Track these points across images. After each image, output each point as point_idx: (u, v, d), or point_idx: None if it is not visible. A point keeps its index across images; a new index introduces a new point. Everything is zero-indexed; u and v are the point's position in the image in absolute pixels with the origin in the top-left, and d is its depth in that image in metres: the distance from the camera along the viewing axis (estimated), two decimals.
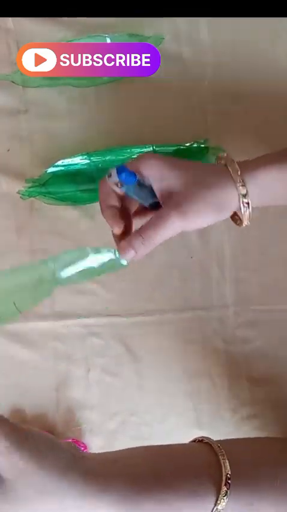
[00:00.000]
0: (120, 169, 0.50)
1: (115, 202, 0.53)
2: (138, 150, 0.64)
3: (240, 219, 0.53)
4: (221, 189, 0.51)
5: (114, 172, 0.51)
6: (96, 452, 0.48)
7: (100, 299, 0.66)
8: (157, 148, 0.64)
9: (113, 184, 0.52)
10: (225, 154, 0.53)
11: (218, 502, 0.43)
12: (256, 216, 0.58)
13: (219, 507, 0.43)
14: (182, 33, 0.66)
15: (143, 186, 0.52)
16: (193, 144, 0.65)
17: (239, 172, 0.51)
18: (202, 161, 0.64)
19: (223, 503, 0.43)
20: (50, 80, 0.64)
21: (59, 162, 0.64)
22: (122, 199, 0.54)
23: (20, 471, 0.38)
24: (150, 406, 0.67)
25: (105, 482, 0.41)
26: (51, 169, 0.64)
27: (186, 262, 0.67)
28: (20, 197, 0.64)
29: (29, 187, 0.64)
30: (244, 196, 0.51)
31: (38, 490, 0.39)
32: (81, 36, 0.65)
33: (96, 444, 0.66)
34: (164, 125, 0.66)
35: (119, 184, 0.51)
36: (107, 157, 0.64)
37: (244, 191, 0.51)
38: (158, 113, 0.67)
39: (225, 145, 0.65)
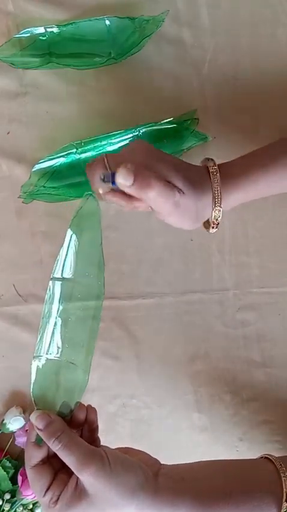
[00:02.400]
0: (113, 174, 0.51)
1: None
2: (124, 134, 0.64)
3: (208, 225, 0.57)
4: (200, 200, 0.54)
5: (108, 175, 0.51)
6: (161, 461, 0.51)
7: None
8: (142, 130, 0.64)
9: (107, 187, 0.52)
10: (212, 163, 0.56)
11: None
12: (255, 199, 0.58)
13: None
14: (181, 16, 0.66)
15: None
16: (182, 118, 0.65)
17: (218, 191, 0.54)
18: (184, 142, 0.65)
19: None
20: (50, 62, 0.64)
21: (45, 159, 0.64)
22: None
23: (93, 488, 0.45)
24: (150, 389, 0.67)
25: (174, 499, 0.46)
26: (37, 167, 0.64)
27: (186, 245, 0.67)
28: (23, 202, 0.65)
29: (27, 191, 0.64)
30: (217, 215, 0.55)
31: (111, 503, 0.45)
32: (81, 18, 0.65)
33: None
34: (164, 108, 0.66)
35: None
36: (96, 145, 0.64)
37: (218, 214, 0.55)
38: (158, 95, 0.66)
39: (224, 127, 0.65)
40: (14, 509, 0.64)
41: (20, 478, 0.63)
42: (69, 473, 0.47)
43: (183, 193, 0.52)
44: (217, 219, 0.56)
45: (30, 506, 0.65)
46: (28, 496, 0.63)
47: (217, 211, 0.55)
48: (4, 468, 0.65)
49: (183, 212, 0.53)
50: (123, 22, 0.65)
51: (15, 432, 0.66)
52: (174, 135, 0.65)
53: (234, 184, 0.55)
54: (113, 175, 0.51)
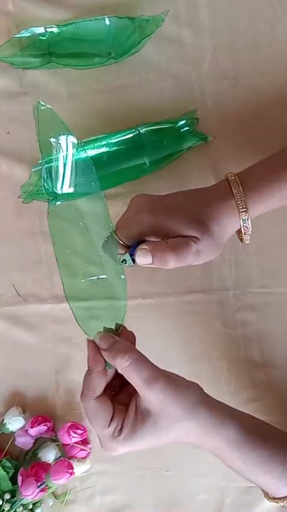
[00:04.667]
0: (132, 251, 0.52)
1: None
2: (124, 134, 0.65)
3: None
4: (220, 226, 0.54)
5: (128, 257, 0.52)
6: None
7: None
8: (142, 129, 0.64)
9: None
10: (233, 177, 0.54)
11: None
12: None
13: None
14: (181, 16, 0.66)
15: None
16: (182, 118, 0.65)
17: (243, 202, 0.53)
18: (184, 142, 0.65)
19: None
20: (50, 61, 0.64)
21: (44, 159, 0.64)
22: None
23: (162, 404, 0.48)
24: None
25: (224, 420, 0.50)
26: (36, 168, 0.65)
27: None
28: (23, 202, 0.65)
29: (27, 191, 0.64)
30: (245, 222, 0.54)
31: (176, 418, 0.48)
32: (81, 18, 0.65)
33: None
34: (164, 108, 0.66)
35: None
36: (95, 144, 0.64)
37: (247, 222, 0.54)
38: (158, 95, 0.67)
39: (225, 127, 0.65)
40: (14, 509, 0.64)
41: (20, 478, 0.63)
42: (125, 401, 0.49)
43: (199, 239, 0.52)
44: (247, 227, 0.55)
45: (30, 506, 0.65)
46: (28, 496, 0.63)
47: (244, 219, 0.54)
48: (4, 468, 0.65)
49: (206, 252, 0.53)
50: (123, 22, 0.65)
51: (15, 432, 0.66)
52: (174, 135, 0.65)
53: (257, 190, 0.54)
54: (131, 253, 0.52)
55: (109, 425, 0.48)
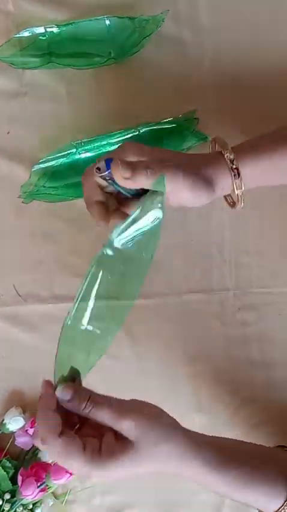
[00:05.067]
0: (109, 161, 0.51)
1: (101, 197, 0.54)
2: (124, 134, 0.64)
3: (233, 201, 0.55)
4: (210, 166, 0.53)
5: (103, 164, 0.51)
6: None
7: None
8: (142, 129, 0.64)
9: (100, 177, 0.52)
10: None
11: None
12: (256, 199, 0.58)
13: None
14: (181, 16, 0.66)
15: None
16: (182, 118, 0.65)
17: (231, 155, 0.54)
18: (184, 141, 0.65)
19: None
20: (50, 61, 0.64)
21: (45, 159, 0.64)
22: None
23: (138, 432, 0.47)
24: (150, 389, 0.67)
25: (199, 445, 0.50)
26: (37, 167, 0.64)
27: (186, 246, 0.67)
28: (23, 202, 0.65)
29: (27, 191, 0.64)
30: (232, 163, 0.53)
31: (155, 443, 0.48)
32: (81, 18, 0.65)
33: None
34: (164, 108, 0.66)
35: (107, 178, 0.51)
36: (95, 144, 0.64)
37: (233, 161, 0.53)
38: (158, 95, 0.66)
39: (225, 127, 0.65)
40: (14, 509, 0.64)
41: (20, 478, 0.63)
42: (91, 434, 0.48)
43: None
44: (239, 190, 0.54)
45: (30, 506, 0.65)
46: (28, 496, 0.63)
47: (237, 183, 0.54)
48: (4, 468, 0.65)
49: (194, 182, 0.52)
50: (123, 22, 0.65)
51: (15, 432, 0.66)
52: (174, 135, 0.65)
53: (247, 153, 0.54)
54: (107, 162, 0.50)
55: (85, 449, 0.47)
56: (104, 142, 0.64)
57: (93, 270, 0.50)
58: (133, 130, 0.64)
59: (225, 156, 0.54)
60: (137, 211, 0.50)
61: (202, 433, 0.52)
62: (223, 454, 0.50)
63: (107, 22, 0.65)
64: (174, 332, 0.67)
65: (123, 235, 0.50)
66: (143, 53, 0.66)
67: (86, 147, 0.64)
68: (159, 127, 0.65)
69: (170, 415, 0.51)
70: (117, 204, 0.56)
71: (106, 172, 0.51)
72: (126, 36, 0.65)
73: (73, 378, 0.51)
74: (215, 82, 0.67)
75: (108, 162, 0.51)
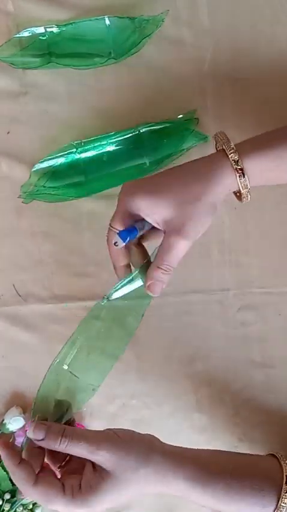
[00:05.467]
0: (123, 235, 0.52)
1: (126, 260, 0.56)
2: (124, 134, 0.65)
3: (241, 195, 0.55)
4: (212, 185, 0.52)
5: (119, 240, 0.53)
6: None
7: (100, 282, 0.66)
8: (142, 129, 0.64)
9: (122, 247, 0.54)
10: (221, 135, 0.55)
11: (280, 502, 0.50)
12: (256, 199, 0.58)
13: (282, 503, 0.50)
14: (181, 16, 0.66)
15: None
16: (181, 118, 0.65)
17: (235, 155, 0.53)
18: (183, 141, 0.65)
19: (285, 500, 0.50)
20: (50, 61, 0.64)
21: (45, 159, 0.65)
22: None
23: (114, 460, 0.48)
24: (150, 389, 0.67)
25: (179, 462, 0.50)
26: (37, 167, 0.64)
27: None
28: (23, 202, 0.65)
29: (27, 191, 0.64)
30: (239, 168, 0.53)
31: (132, 469, 0.48)
32: (81, 18, 0.65)
33: (97, 428, 0.66)
34: (164, 108, 0.66)
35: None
36: (95, 144, 0.65)
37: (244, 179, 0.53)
38: (158, 95, 0.66)
39: (225, 128, 0.65)
40: (14, 509, 0.64)
41: None
42: (78, 468, 0.50)
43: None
44: (245, 186, 0.53)
45: (30, 506, 0.65)
46: None
47: (241, 179, 0.53)
48: (4, 468, 0.65)
49: (197, 228, 0.52)
50: (123, 22, 0.65)
51: (15, 432, 0.66)
52: (174, 135, 0.65)
53: (252, 147, 0.54)
54: (121, 236, 0.52)
55: (65, 491, 0.48)
56: (104, 142, 0.64)
57: (87, 319, 0.55)
58: (133, 130, 0.65)
59: (229, 156, 0.53)
60: (134, 273, 0.55)
61: (183, 448, 0.52)
62: (207, 468, 0.50)
63: (107, 22, 0.65)
64: (174, 332, 0.67)
65: (119, 292, 0.55)
66: (143, 53, 0.66)
67: (86, 147, 0.64)
68: (159, 127, 0.65)
69: (146, 434, 0.52)
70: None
71: (123, 244, 0.53)
72: (126, 36, 0.65)
73: (61, 414, 0.52)
74: (215, 82, 0.67)
75: (123, 233, 0.53)
